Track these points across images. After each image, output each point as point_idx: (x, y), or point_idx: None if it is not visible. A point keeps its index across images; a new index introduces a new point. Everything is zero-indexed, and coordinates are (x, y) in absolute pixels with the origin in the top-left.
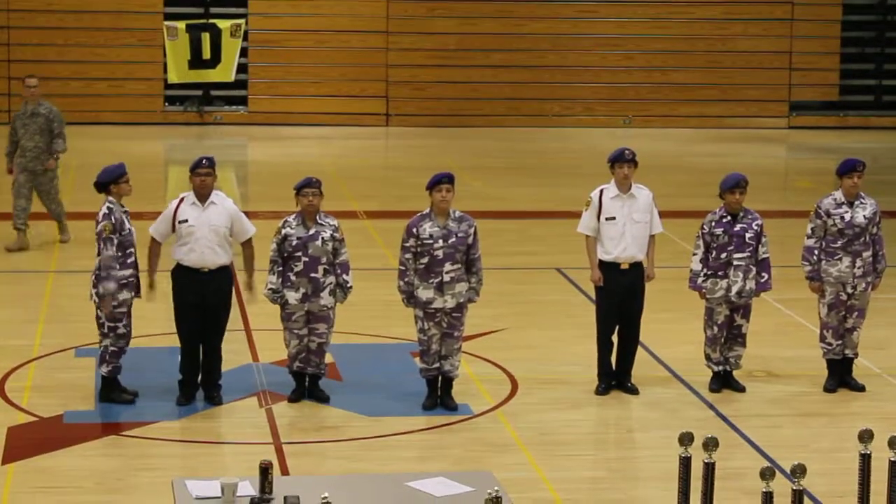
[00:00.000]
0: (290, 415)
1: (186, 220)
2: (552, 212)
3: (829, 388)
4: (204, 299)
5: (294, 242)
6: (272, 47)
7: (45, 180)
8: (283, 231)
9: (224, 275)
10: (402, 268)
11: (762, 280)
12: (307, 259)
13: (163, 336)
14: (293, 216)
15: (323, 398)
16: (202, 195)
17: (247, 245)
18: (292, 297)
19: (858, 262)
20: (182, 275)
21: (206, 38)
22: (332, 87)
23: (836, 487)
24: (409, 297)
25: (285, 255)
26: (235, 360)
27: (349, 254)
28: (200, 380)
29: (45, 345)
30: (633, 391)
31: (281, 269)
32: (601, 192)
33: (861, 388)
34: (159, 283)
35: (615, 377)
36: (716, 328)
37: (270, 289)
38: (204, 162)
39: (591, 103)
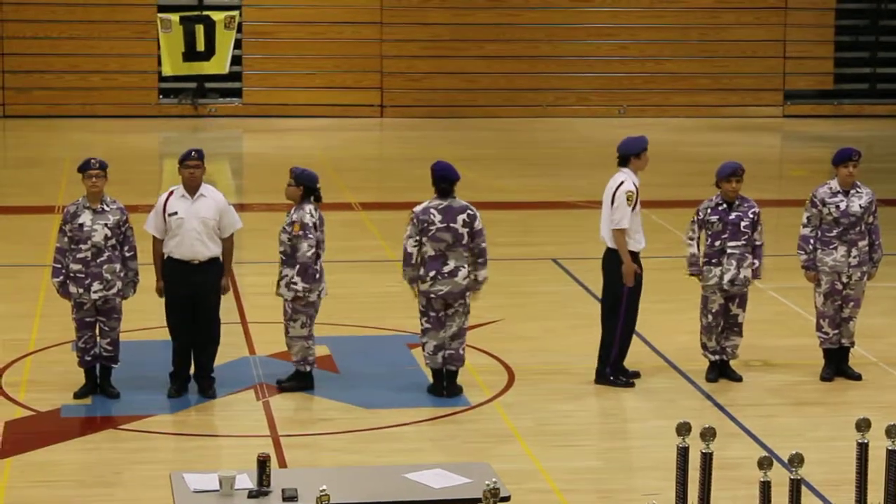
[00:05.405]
0: (287, 407)
1: (176, 213)
2: (548, 202)
3: (826, 377)
4: (194, 292)
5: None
6: (266, 39)
7: None
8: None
9: (214, 267)
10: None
11: (753, 267)
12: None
13: (159, 329)
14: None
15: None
16: (191, 187)
17: (227, 240)
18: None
19: (854, 252)
20: (172, 268)
21: (200, 30)
22: (327, 79)
23: (834, 476)
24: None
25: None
26: (232, 352)
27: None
28: (193, 373)
29: (41, 339)
30: (634, 376)
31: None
32: (633, 182)
33: (857, 377)
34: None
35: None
36: (710, 316)
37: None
38: (193, 154)
39: (585, 93)
